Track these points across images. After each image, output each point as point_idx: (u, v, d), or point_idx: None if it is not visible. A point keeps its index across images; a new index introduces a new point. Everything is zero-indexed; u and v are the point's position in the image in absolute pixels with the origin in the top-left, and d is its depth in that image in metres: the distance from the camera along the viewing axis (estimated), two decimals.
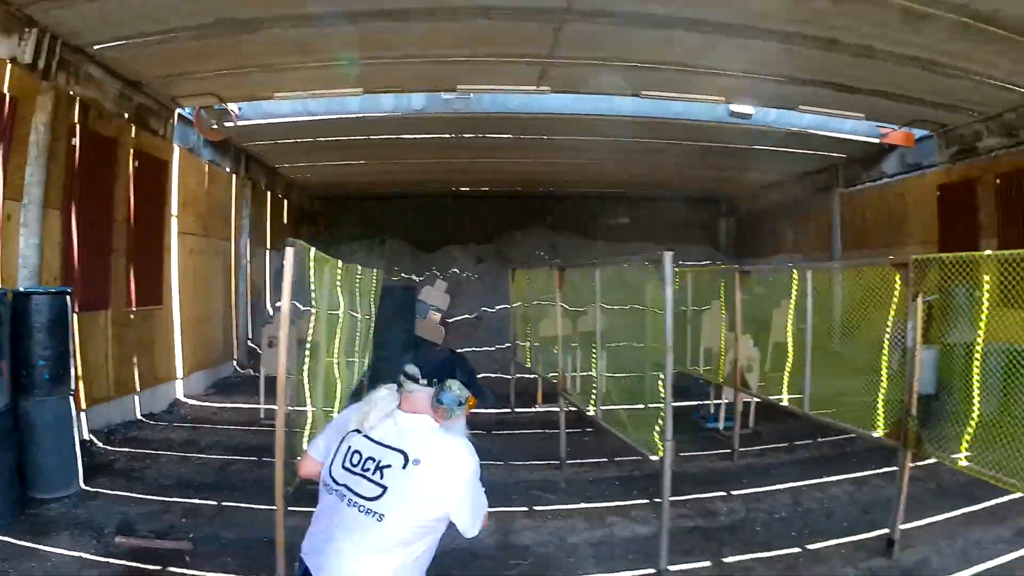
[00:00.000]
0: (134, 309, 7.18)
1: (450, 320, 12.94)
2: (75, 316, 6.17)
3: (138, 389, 7.09)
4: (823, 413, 5.16)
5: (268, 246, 12.54)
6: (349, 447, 1.97)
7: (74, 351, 5.38)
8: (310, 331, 4.58)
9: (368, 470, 1.91)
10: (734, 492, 5.51)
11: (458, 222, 16.00)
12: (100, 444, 6.20)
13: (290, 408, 3.71)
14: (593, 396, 5.51)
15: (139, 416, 7.15)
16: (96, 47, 6.09)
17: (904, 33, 5.88)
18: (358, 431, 1.98)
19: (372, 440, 1.94)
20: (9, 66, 5.15)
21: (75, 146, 6.09)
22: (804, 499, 5.31)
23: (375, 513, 1.86)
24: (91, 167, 6.35)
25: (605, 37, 6.50)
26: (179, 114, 8.38)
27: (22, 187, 5.39)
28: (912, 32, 5.85)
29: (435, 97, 8.85)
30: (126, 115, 7.05)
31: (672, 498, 4.52)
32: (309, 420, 4.45)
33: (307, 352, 4.41)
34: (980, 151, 8.79)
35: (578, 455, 6.43)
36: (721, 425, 7.40)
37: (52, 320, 5.06)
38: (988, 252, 3.83)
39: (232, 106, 8.38)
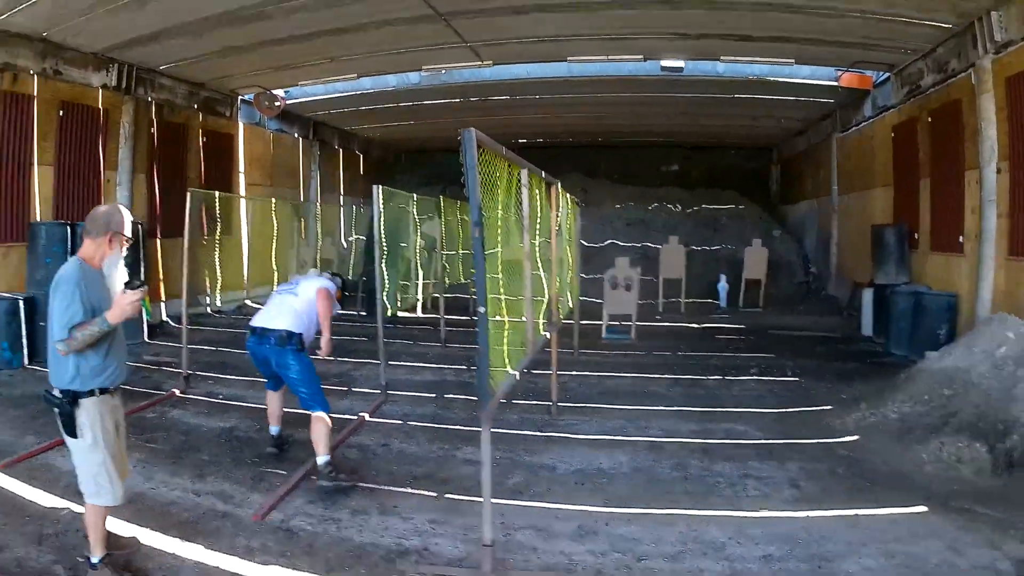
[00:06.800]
0: (206, 237, 10.66)
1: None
2: (158, 241, 9.80)
3: (207, 292, 10.60)
4: None
5: (341, 192, 15.83)
6: (286, 282, 4.88)
7: (146, 259, 8.82)
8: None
9: (292, 285, 4.67)
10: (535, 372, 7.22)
11: None
12: (172, 323, 9.80)
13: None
14: None
15: (208, 311, 10.73)
16: (162, 67, 9.32)
17: None
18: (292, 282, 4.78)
19: (298, 282, 4.70)
20: (100, 91, 8.49)
21: (153, 133, 9.49)
22: (574, 382, 6.95)
23: (293, 292, 4.53)
24: (166, 145, 9.77)
25: (488, 23, 8.20)
26: (244, 99, 11.64)
27: (116, 160, 8.85)
28: None
29: (420, 74, 11.09)
30: (195, 106, 10.37)
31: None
32: None
33: None
34: (923, 89, 8.73)
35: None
36: (603, 334, 9.42)
37: None
38: None
39: (278, 91, 11.44)
